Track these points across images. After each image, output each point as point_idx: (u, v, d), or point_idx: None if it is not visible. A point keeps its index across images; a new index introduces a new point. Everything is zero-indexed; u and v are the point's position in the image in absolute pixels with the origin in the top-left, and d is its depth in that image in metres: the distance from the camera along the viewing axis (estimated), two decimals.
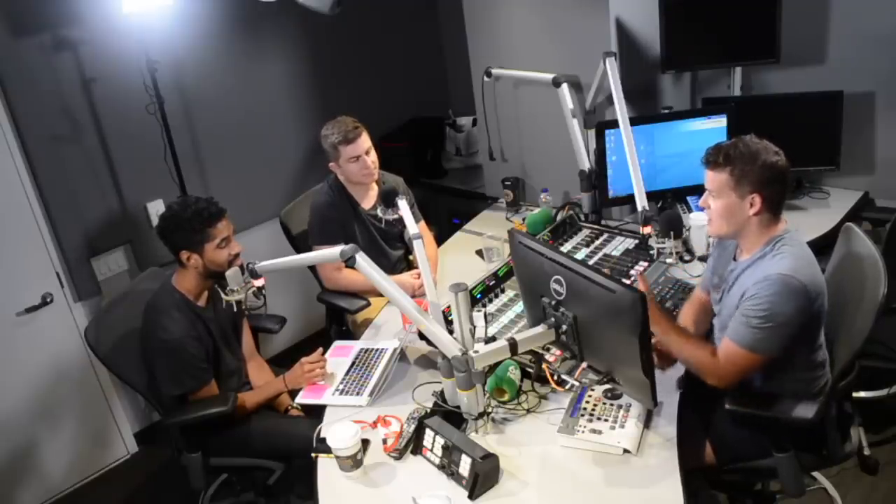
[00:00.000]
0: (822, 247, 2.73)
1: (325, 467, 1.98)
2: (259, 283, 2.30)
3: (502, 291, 2.58)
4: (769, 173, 1.91)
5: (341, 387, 2.32)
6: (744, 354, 1.90)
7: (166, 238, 2.35)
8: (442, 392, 2.09)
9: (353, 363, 2.42)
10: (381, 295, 2.56)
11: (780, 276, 1.85)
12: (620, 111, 2.69)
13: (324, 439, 2.01)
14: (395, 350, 2.40)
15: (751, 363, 1.92)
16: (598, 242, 2.89)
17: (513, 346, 1.92)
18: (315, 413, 2.28)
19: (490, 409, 2.04)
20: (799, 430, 1.95)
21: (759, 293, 1.87)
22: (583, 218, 3.09)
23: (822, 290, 1.93)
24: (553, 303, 1.92)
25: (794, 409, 1.92)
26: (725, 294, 2.07)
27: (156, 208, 3.35)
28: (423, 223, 3.10)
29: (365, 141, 2.85)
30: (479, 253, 3.04)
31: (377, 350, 2.43)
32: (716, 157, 1.96)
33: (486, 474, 1.81)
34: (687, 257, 2.73)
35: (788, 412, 1.92)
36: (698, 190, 3.06)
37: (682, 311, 2.31)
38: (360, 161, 2.84)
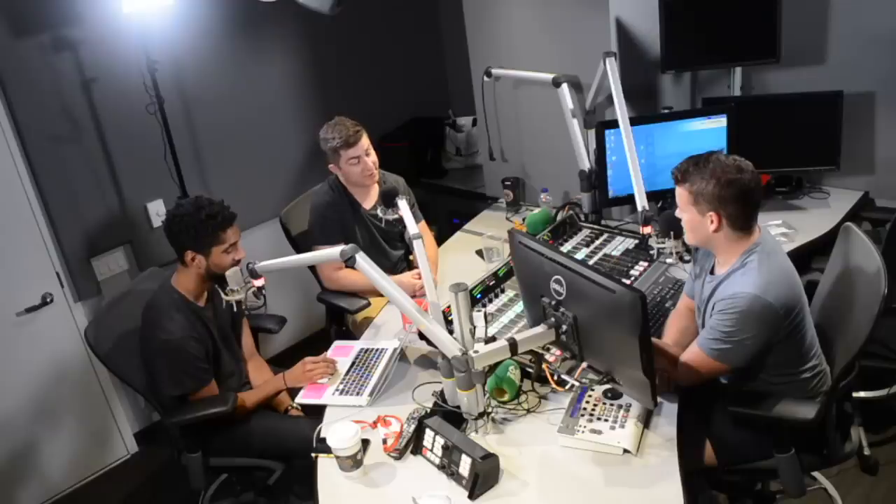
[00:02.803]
0: (821, 247, 2.74)
1: (325, 467, 1.98)
2: (259, 283, 2.31)
3: (502, 291, 2.58)
4: (726, 192, 1.89)
5: (341, 387, 2.32)
6: (707, 361, 1.95)
7: (173, 235, 2.34)
8: (442, 392, 2.09)
9: (353, 363, 2.41)
10: (381, 295, 2.56)
11: (747, 297, 1.86)
12: (620, 111, 2.68)
13: (324, 439, 2.01)
14: (395, 350, 2.40)
15: (712, 369, 1.97)
16: (598, 242, 2.89)
17: (513, 346, 1.92)
18: (315, 413, 2.28)
19: (490, 409, 2.03)
20: (800, 431, 1.95)
21: (726, 309, 1.89)
22: (583, 218, 3.09)
23: (796, 302, 1.93)
24: (553, 303, 1.92)
25: (794, 410, 1.92)
26: (703, 309, 2.08)
27: (156, 208, 3.35)
28: (422, 223, 3.10)
29: (364, 142, 2.85)
30: (479, 253, 3.04)
31: (377, 350, 2.43)
32: (676, 174, 1.99)
33: (486, 474, 1.81)
34: (687, 257, 2.71)
35: (789, 413, 1.92)
36: None
37: (669, 321, 2.29)
38: (360, 163, 2.85)
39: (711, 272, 2.07)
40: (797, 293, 1.95)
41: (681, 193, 1.99)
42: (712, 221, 1.94)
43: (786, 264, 1.98)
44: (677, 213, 2.06)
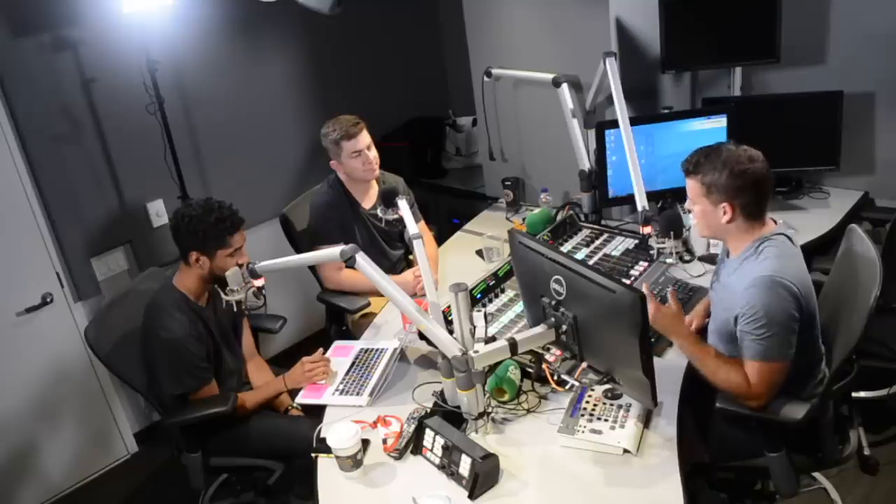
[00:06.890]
0: (822, 247, 2.74)
1: (325, 467, 1.98)
2: (259, 282, 2.30)
3: (502, 291, 2.58)
4: (739, 182, 1.91)
5: (341, 387, 2.33)
6: (768, 367, 1.89)
7: (180, 235, 2.34)
8: (442, 392, 2.09)
9: (353, 363, 2.42)
10: (381, 295, 2.56)
11: (765, 279, 1.86)
12: (620, 111, 2.68)
13: (324, 439, 2.01)
14: (395, 350, 2.40)
15: (777, 372, 1.90)
16: (598, 242, 2.89)
17: (513, 346, 1.92)
18: (315, 413, 2.28)
19: (490, 409, 2.03)
20: (792, 431, 1.94)
21: (750, 302, 1.87)
22: (583, 218, 3.09)
23: (810, 288, 1.93)
24: (553, 303, 1.93)
25: (782, 410, 1.91)
26: (715, 286, 2.14)
27: (156, 208, 3.35)
28: (422, 223, 3.10)
29: (366, 136, 2.87)
30: (479, 253, 3.04)
31: (377, 350, 2.43)
32: (687, 165, 2.00)
33: (486, 474, 1.81)
34: (687, 257, 2.73)
35: (776, 412, 1.91)
36: None
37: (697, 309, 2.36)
38: (361, 156, 2.85)
39: (727, 255, 2.11)
40: (809, 280, 1.94)
41: (692, 185, 2.00)
42: (725, 212, 1.95)
43: (799, 254, 1.99)
44: (687, 206, 2.06)
